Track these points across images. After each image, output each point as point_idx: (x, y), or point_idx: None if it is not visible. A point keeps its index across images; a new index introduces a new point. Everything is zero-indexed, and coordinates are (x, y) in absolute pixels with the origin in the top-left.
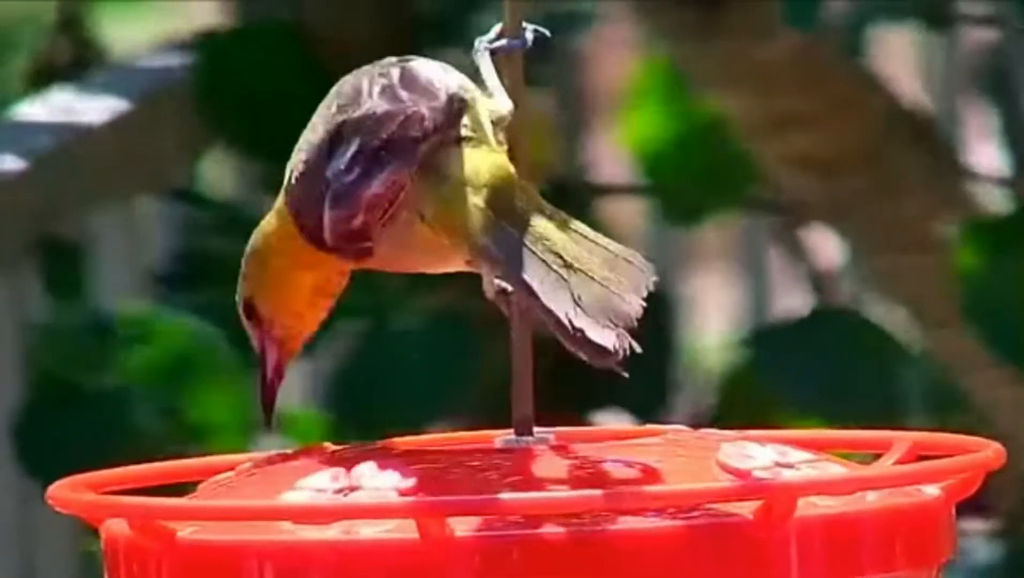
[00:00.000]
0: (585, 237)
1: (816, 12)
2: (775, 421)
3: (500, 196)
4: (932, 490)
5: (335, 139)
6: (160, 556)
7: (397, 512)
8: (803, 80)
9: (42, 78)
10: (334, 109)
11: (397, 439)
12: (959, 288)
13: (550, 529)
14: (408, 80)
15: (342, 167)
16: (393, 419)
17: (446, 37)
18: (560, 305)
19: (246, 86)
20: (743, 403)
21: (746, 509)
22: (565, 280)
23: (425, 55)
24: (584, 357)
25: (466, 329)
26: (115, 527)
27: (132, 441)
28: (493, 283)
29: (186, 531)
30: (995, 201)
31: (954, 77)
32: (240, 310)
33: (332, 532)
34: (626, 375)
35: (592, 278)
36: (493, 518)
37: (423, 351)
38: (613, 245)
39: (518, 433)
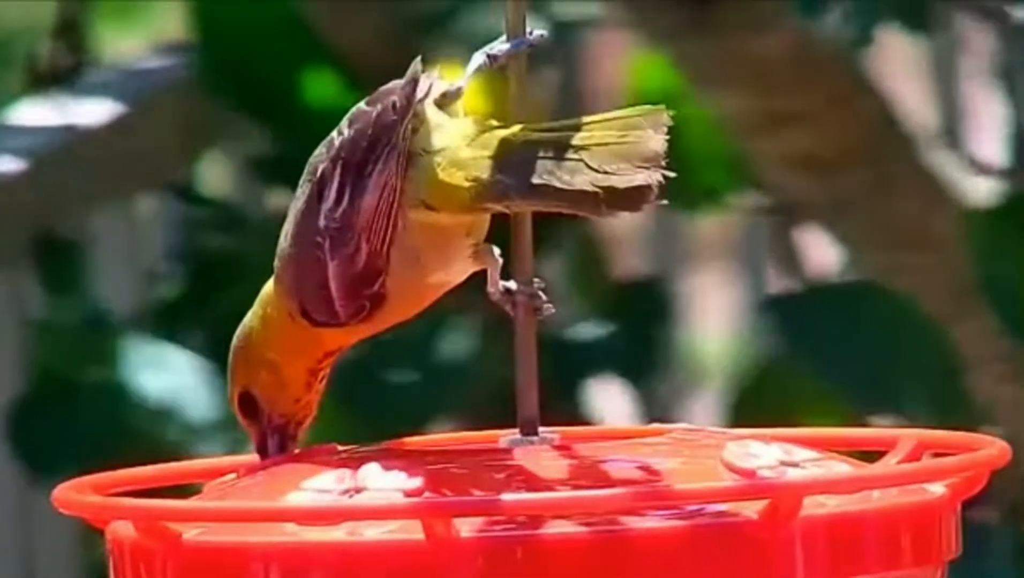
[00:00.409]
0: (592, 121)
1: (825, 2)
2: (792, 412)
3: (485, 139)
4: (937, 488)
5: (321, 188)
6: (165, 557)
7: (402, 513)
8: (800, 78)
9: (41, 80)
10: (311, 170)
11: (402, 439)
12: (972, 269)
13: (554, 529)
14: (368, 99)
15: (330, 205)
16: (395, 419)
17: (446, 38)
18: (581, 180)
19: (249, 59)
20: (759, 395)
21: (751, 508)
22: (580, 160)
23: (424, 55)
24: (624, 211)
25: (467, 329)
26: (120, 529)
27: (130, 438)
28: (497, 283)
29: (191, 533)
30: (994, 195)
31: (954, 72)
32: (235, 407)
33: (337, 533)
34: (666, 203)
35: (606, 144)
36: (498, 518)
37: (425, 352)
38: (623, 112)
39: (523, 433)
